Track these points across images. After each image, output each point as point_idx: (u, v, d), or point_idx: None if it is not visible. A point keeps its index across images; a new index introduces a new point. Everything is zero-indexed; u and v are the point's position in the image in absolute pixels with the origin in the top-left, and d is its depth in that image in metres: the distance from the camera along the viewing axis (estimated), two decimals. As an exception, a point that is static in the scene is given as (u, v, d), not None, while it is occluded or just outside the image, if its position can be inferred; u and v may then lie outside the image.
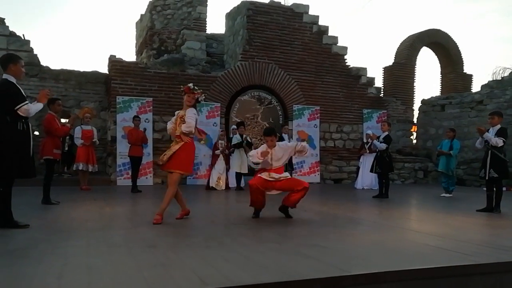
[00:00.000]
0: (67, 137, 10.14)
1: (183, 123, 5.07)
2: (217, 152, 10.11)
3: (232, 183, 10.25)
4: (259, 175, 5.59)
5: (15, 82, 4.44)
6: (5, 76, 4.43)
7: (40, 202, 6.45)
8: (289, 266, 3.03)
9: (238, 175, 10.11)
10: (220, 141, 10.27)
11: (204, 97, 5.41)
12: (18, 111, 4.32)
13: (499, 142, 6.52)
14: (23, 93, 4.48)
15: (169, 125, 5.34)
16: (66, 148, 10.43)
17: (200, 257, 3.28)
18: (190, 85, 5.22)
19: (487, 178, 6.65)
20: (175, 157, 5.05)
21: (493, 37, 43.47)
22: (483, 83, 13.82)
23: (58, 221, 5.02)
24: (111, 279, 2.69)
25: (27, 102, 4.41)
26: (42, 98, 4.74)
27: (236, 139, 10.13)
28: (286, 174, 5.77)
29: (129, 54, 45.38)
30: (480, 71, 31.95)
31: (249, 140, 10.40)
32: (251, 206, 5.64)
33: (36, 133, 10.55)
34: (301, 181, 5.62)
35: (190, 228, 4.75)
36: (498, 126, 6.68)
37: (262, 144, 6.60)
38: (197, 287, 2.53)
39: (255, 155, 5.58)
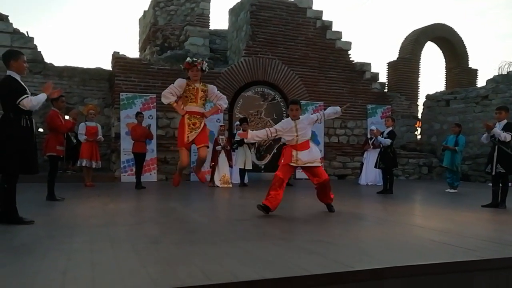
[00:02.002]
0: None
1: (204, 98, 5.19)
2: (218, 148, 9.76)
3: (236, 179, 10.17)
4: (284, 163, 5.40)
5: (18, 79, 4.42)
6: (8, 72, 4.42)
7: (44, 199, 6.49)
8: (293, 262, 3.02)
9: (242, 172, 10.01)
10: (220, 136, 9.93)
11: (207, 65, 5.36)
12: (19, 105, 4.29)
13: (508, 137, 6.44)
14: (26, 89, 4.44)
15: (172, 98, 5.13)
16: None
17: (204, 253, 3.28)
18: (188, 59, 5.15)
19: (493, 173, 6.59)
20: (204, 133, 5.23)
21: (499, 32, 43.15)
22: (489, 78, 13.72)
23: (63, 217, 5.03)
24: (115, 275, 2.69)
25: (27, 95, 4.37)
26: (47, 89, 4.70)
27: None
28: (312, 156, 5.48)
29: (132, 50, 45.40)
30: (486, 66, 31.78)
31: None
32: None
33: (41, 130, 10.58)
34: (323, 171, 5.62)
35: (194, 224, 4.75)
36: (505, 121, 6.61)
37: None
38: (201, 283, 2.52)
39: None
